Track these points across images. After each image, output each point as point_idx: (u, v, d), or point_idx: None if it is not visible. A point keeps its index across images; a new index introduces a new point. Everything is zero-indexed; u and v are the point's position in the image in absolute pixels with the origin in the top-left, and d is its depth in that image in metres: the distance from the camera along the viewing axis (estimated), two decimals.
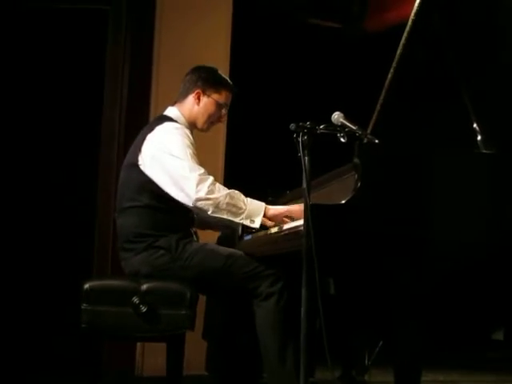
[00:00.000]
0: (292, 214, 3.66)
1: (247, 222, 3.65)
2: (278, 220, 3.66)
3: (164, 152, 3.70)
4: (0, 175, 5.78)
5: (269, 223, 3.67)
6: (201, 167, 3.66)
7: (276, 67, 5.88)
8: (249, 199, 3.67)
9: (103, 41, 5.69)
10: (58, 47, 5.85)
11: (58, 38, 5.84)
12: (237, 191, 3.67)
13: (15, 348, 5.53)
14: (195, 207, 3.64)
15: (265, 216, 3.66)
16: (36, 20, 5.81)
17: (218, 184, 3.63)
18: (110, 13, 5.70)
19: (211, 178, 3.63)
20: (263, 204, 3.68)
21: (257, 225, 3.65)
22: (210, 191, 3.59)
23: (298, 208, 3.65)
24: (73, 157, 5.84)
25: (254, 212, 3.64)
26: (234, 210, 3.62)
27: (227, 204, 3.61)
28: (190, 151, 3.70)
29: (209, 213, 3.63)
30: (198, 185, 3.59)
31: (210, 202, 3.60)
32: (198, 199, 3.59)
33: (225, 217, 3.64)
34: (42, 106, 5.84)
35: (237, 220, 3.65)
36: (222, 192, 3.61)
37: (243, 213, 3.63)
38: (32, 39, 5.86)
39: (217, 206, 3.60)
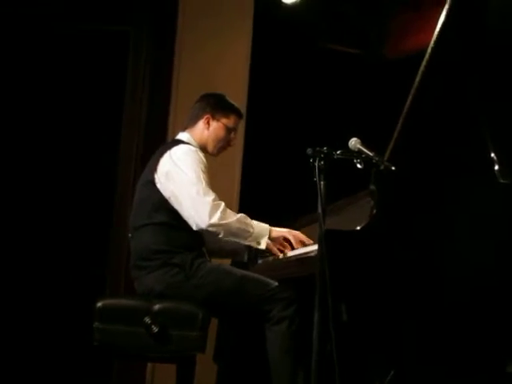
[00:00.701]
0: (291, 236, 3.82)
1: (254, 244, 3.81)
2: (278, 241, 3.82)
3: (179, 174, 3.76)
4: (18, 193, 5.81)
5: (269, 247, 3.82)
6: (213, 192, 3.75)
7: (294, 91, 5.88)
8: (254, 222, 3.81)
9: (124, 62, 5.73)
10: (79, 68, 5.88)
11: (79, 59, 5.87)
12: (244, 215, 3.80)
13: (27, 365, 5.53)
14: (207, 230, 3.74)
15: (269, 238, 3.81)
16: (57, 42, 5.85)
17: (228, 210, 3.75)
18: (130, 34, 5.74)
19: (223, 204, 3.74)
20: (267, 226, 3.82)
21: (263, 246, 3.80)
22: (223, 217, 3.70)
23: (297, 232, 3.87)
24: (90, 176, 5.85)
25: (259, 234, 3.79)
26: (242, 233, 3.76)
27: (237, 228, 3.74)
28: (204, 175, 3.76)
29: (220, 236, 3.75)
30: (211, 210, 3.69)
31: (222, 227, 3.71)
32: (211, 225, 3.70)
33: (234, 239, 3.80)
34: (62, 125, 5.86)
35: (245, 242, 3.82)
36: (232, 218, 3.73)
37: (251, 235, 3.78)
38: (53, 61, 5.89)
39: (228, 231, 3.73)
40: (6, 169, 5.81)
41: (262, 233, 3.78)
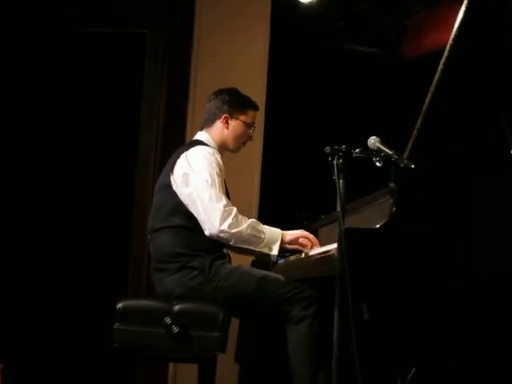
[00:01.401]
0: (308, 236, 3.85)
1: (266, 250, 3.81)
2: (296, 243, 3.83)
3: (193, 177, 3.76)
4: (38, 197, 5.84)
5: (290, 247, 3.83)
6: (225, 198, 3.76)
7: (312, 90, 5.88)
8: (266, 228, 3.80)
9: (141, 64, 5.75)
10: (97, 71, 5.91)
11: (97, 62, 5.90)
12: (255, 221, 3.80)
13: (49, 367, 5.56)
14: (218, 237, 3.73)
15: (283, 242, 3.79)
16: (75, 44, 5.88)
17: (240, 216, 3.74)
18: (147, 36, 5.76)
19: (234, 211, 3.73)
20: (280, 231, 3.82)
21: (275, 252, 3.79)
22: (234, 224, 3.70)
23: (311, 236, 3.90)
24: (110, 178, 5.87)
25: (271, 240, 3.79)
26: (253, 240, 3.76)
27: (249, 235, 3.75)
28: (218, 180, 3.77)
29: (231, 243, 3.77)
30: (222, 217, 3.70)
31: (233, 234, 3.71)
32: (222, 231, 3.70)
33: (245, 246, 3.79)
34: (81, 128, 5.89)
35: (257, 249, 3.80)
36: (243, 224, 3.73)
37: (262, 242, 3.78)
38: (71, 63, 5.92)
39: (239, 238, 3.74)
40: (27, 169, 5.85)
41: (274, 238, 3.78)
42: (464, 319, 3.36)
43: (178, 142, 5.18)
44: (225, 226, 3.68)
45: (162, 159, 5.39)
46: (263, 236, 3.75)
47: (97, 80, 5.88)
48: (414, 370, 3.69)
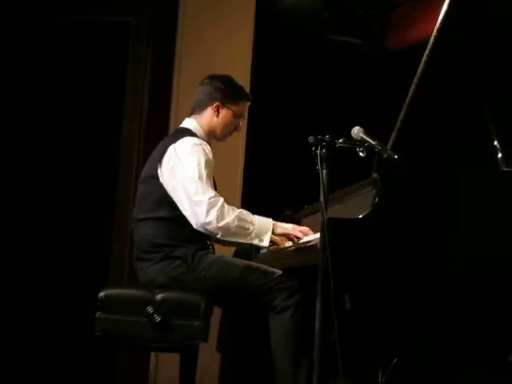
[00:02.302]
0: (298, 232, 3.75)
1: (256, 242, 3.74)
2: (288, 237, 3.77)
3: (180, 170, 3.72)
4: (20, 184, 5.81)
5: (278, 240, 3.77)
6: (212, 190, 3.71)
7: (296, 80, 5.87)
8: (256, 218, 3.73)
9: (125, 53, 5.73)
10: (80, 59, 5.88)
11: (79, 49, 5.87)
12: (245, 211, 3.73)
13: (29, 355, 5.54)
14: (205, 230, 3.68)
15: (273, 233, 3.72)
16: (58, 31, 5.84)
17: (227, 207, 3.67)
18: (131, 24, 5.73)
19: (220, 202, 3.67)
20: (271, 222, 3.75)
21: (265, 243, 3.73)
22: (220, 216, 3.64)
23: (305, 228, 3.79)
24: (92, 167, 5.85)
25: (261, 231, 3.71)
26: (242, 231, 3.69)
27: (236, 227, 3.68)
28: (206, 172, 3.72)
29: (218, 236, 3.72)
30: (208, 210, 3.64)
31: (220, 227, 3.66)
32: (208, 224, 3.65)
33: (234, 239, 3.73)
34: (62, 117, 5.86)
35: (245, 241, 3.74)
36: (230, 216, 3.66)
37: (251, 233, 3.70)
38: (53, 50, 5.88)
39: (226, 231, 3.67)
40: (8, 160, 5.82)
41: (265, 229, 3.71)
42: (446, 309, 3.38)
43: (162, 131, 5.16)
44: (210, 218, 3.63)
45: (145, 149, 5.39)
46: (251, 227, 3.68)
47: (80, 68, 5.85)
48: (395, 360, 3.71)
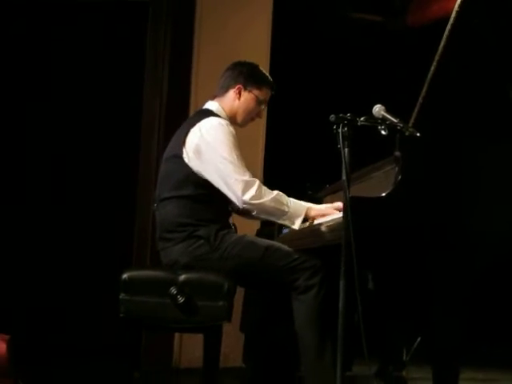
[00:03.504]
0: (333, 212, 3.68)
1: (288, 223, 3.73)
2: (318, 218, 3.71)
3: (211, 150, 3.71)
4: (44, 166, 5.85)
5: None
6: (246, 170, 3.71)
7: (317, 59, 5.85)
8: (292, 201, 3.72)
9: (143, 33, 5.72)
10: (99, 40, 5.89)
11: (98, 31, 5.87)
12: (281, 193, 3.72)
13: (55, 337, 5.59)
14: (243, 208, 3.70)
15: (307, 217, 3.71)
16: (77, 13, 5.85)
17: (263, 188, 3.68)
18: (150, 5, 5.72)
19: (257, 182, 3.68)
20: (305, 206, 3.74)
21: (296, 226, 3.71)
22: (257, 196, 3.65)
23: (338, 205, 3.68)
24: (113, 149, 5.87)
25: (295, 214, 3.70)
26: (277, 212, 3.69)
27: (272, 208, 3.68)
28: (237, 152, 3.72)
29: (253, 214, 3.72)
30: (244, 189, 3.65)
31: (256, 206, 3.66)
32: (245, 202, 3.65)
33: (268, 218, 3.74)
34: (82, 100, 5.88)
35: (279, 221, 3.75)
36: (267, 196, 3.67)
37: (285, 215, 3.69)
38: (73, 32, 5.89)
39: (263, 210, 3.68)
40: (34, 145, 5.85)
41: (298, 213, 3.69)
42: (470, 286, 3.36)
43: (182, 111, 5.17)
44: (247, 197, 3.64)
45: (165, 130, 5.39)
46: (287, 209, 3.68)
47: (99, 51, 5.86)
48: (419, 338, 3.71)
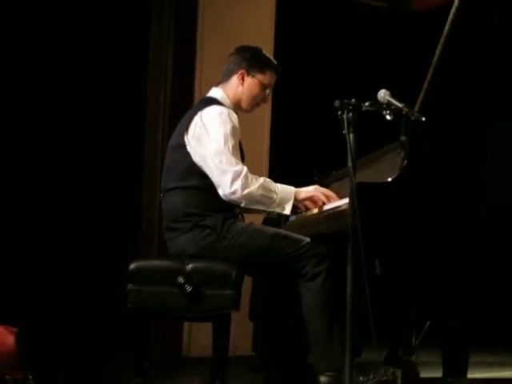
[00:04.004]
0: (319, 194, 3.74)
1: (278, 210, 3.74)
2: (310, 201, 3.74)
3: (206, 140, 3.72)
4: (51, 156, 5.85)
5: (308, 205, 3.75)
6: (238, 160, 3.70)
7: (321, 45, 5.84)
8: (279, 186, 3.73)
9: (147, 23, 5.71)
10: (103, 30, 5.87)
11: (101, 21, 5.86)
12: (268, 180, 3.73)
13: (63, 329, 5.59)
14: (229, 200, 3.69)
15: (296, 200, 3.72)
16: (79, 5, 5.83)
17: (250, 176, 3.67)
18: None
19: (244, 171, 3.66)
20: (293, 190, 3.74)
21: (287, 211, 3.72)
22: (244, 185, 3.64)
23: (326, 190, 3.79)
24: (118, 139, 5.86)
25: (284, 200, 3.71)
26: (265, 200, 3.70)
27: (260, 196, 3.68)
28: (232, 141, 3.71)
29: (242, 205, 3.72)
30: (233, 180, 3.64)
31: (244, 196, 3.66)
32: (232, 193, 3.65)
33: (257, 207, 3.74)
34: (86, 91, 5.87)
35: (269, 209, 3.75)
36: (254, 185, 3.66)
37: (274, 201, 3.70)
38: (76, 26, 5.88)
39: (250, 199, 3.68)
40: (40, 133, 5.85)
41: (287, 197, 3.70)
42: (478, 270, 3.36)
43: (187, 101, 5.16)
44: (234, 188, 3.63)
45: (170, 120, 5.39)
46: (275, 196, 3.69)
47: (103, 41, 5.84)
48: (428, 323, 3.70)
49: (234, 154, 3.69)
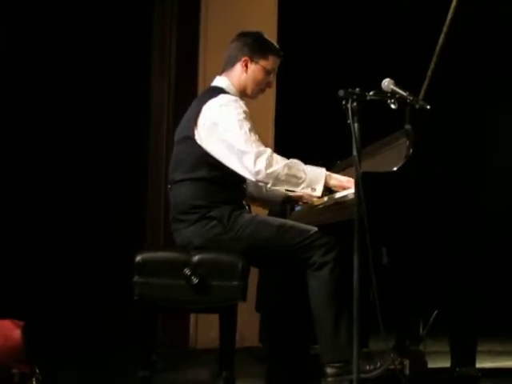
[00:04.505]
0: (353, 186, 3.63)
1: (308, 191, 3.66)
2: (339, 189, 3.63)
3: (221, 127, 3.68)
4: (57, 152, 5.85)
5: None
6: (258, 140, 3.65)
7: (324, 32, 5.82)
8: (308, 167, 3.65)
9: (150, 12, 5.70)
10: (105, 19, 5.87)
11: (104, 10, 5.85)
12: (296, 160, 3.66)
13: (70, 321, 5.60)
14: (256, 180, 3.64)
15: (326, 183, 3.63)
16: None
17: (275, 155, 3.62)
18: None
19: (269, 151, 3.62)
20: (323, 171, 3.66)
21: (318, 193, 3.63)
22: (268, 164, 3.58)
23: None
24: (123, 131, 5.86)
25: (314, 180, 3.62)
26: (293, 180, 3.62)
27: (286, 175, 3.60)
28: (248, 124, 3.67)
29: (269, 186, 3.66)
30: (256, 159, 3.58)
31: (269, 175, 3.59)
32: (257, 173, 3.59)
33: (285, 187, 3.67)
34: (90, 81, 5.86)
35: (298, 189, 3.67)
36: (279, 164, 3.59)
37: (303, 182, 3.62)
38: (78, 12, 5.88)
39: (276, 178, 3.60)
40: (44, 131, 5.86)
41: (317, 178, 3.61)
42: (486, 259, 3.35)
43: (191, 91, 5.15)
44: (258, 168, 3.57)
45: (174, 110, 5.38)
46: (303, 176, 3.60)
47: (106, 32, 5.84)
48: (435, 312, 3.69)
49: (252, 135, 3.65)
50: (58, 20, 5.85)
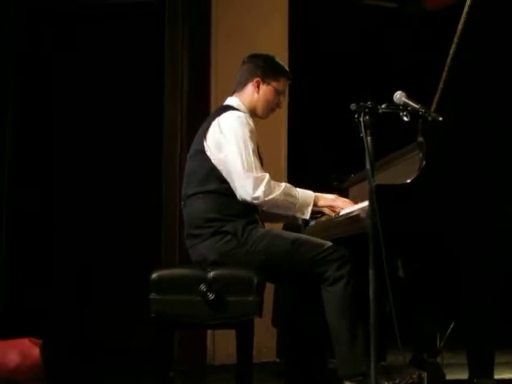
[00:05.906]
0: (340, 203, 3.76)
1: (298, 215, 3.79)
2: (331, 207, 3.78)
3: (226, 144, 3.74)
4: (70, 169, 5.89)
5: (326, 212, 3.79)
6: (257, 165, 3.72)
7: (334, 49, 5.84)
8: (299, 191, 3.77)
9: (161, 34, 5.73)
10: (117, 41, 5.91)
11: (116, 32, 5.89)
12: (289, 185, 3.77)
13: (87, 339, 5.61)
14: (251, 203, 3.72)
15: (315, 206, 3.76)
16: (94, 15, 5.88)
17: (272, 182, 3.71)
18: (166, 5, 5.74)
19: (267, 178, 3.70)
20: (312, 195, 3.78)
21: (307, 216, 3.77)
22: (267, 191, 3.68)
23: (346, 200, 3.82)
24: (137, 149, 5.89)
25: (304, 204, 3.75)
26: (287, 205, 3.74)
27: (282, 201, 3.72)
28: (251, 145, 3.73)
29: (264, 209, 3.76)
30: (255, 185, 3.67)
31: (267, 202, 3.70)
32: (255, 199, 3.68)
33: (279, 212, 3.78)
34: (103, 101, 5.90)
35: (289, 213, 3.79)
36: (277, 191, 3.70)
37: (295, 207, 3.75)
38: (91, 36, 5.92)
39: (273, 204, 3.72)
40: (61, 145, 5.90)
41: (307, 202, 3.74)
42: (501, 269, 3.34)
43: (203, 108, 5.18)
44: (258, 194, 3.67)
45: (188, 129, 5.40)
46: (296, 201, 3.73)
47: (118, 51, 5.88)
48: (452, 324, 3.68)
49: (253, 157, 3.71)
50: (75, 55, 5.91)
